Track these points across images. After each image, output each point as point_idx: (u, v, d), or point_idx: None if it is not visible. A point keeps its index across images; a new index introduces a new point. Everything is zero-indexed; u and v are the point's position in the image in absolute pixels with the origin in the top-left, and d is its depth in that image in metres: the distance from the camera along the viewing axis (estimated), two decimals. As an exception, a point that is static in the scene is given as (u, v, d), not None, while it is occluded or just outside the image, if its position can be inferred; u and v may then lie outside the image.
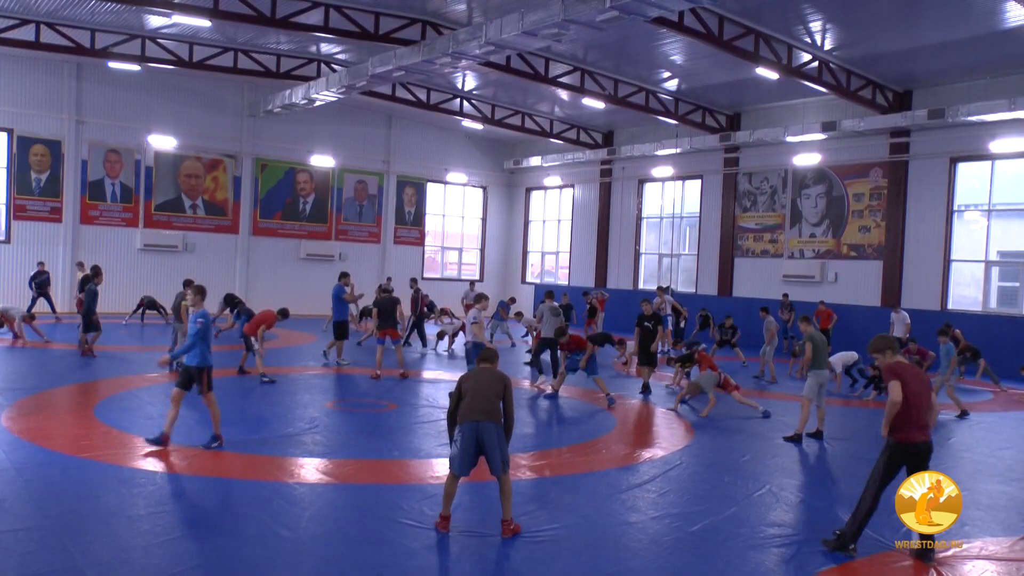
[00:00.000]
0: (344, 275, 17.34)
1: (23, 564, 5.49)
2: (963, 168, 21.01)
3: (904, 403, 6.25)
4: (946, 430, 12.13)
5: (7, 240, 24.17)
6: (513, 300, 25.49)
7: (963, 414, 13.33)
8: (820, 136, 22.36)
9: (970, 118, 19.09)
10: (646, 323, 14.55)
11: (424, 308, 20.56)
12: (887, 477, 6.32)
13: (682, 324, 21.86)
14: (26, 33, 20.53)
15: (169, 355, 10.29)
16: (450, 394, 6.85)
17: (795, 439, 10.66)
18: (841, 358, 15.76)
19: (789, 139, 23.02)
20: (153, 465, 8.17)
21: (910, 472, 6.51)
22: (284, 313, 14.61)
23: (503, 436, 6.54)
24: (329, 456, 8.96)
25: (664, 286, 26.43)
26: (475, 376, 6.72)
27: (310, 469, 8.40)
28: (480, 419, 6.41)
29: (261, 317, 14.35)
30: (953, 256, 21.09)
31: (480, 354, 7.08)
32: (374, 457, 9.07)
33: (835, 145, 22.91)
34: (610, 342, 18.79)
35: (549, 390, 13.75)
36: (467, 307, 25.76)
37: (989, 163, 20.53)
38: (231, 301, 21.79)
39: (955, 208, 21.09)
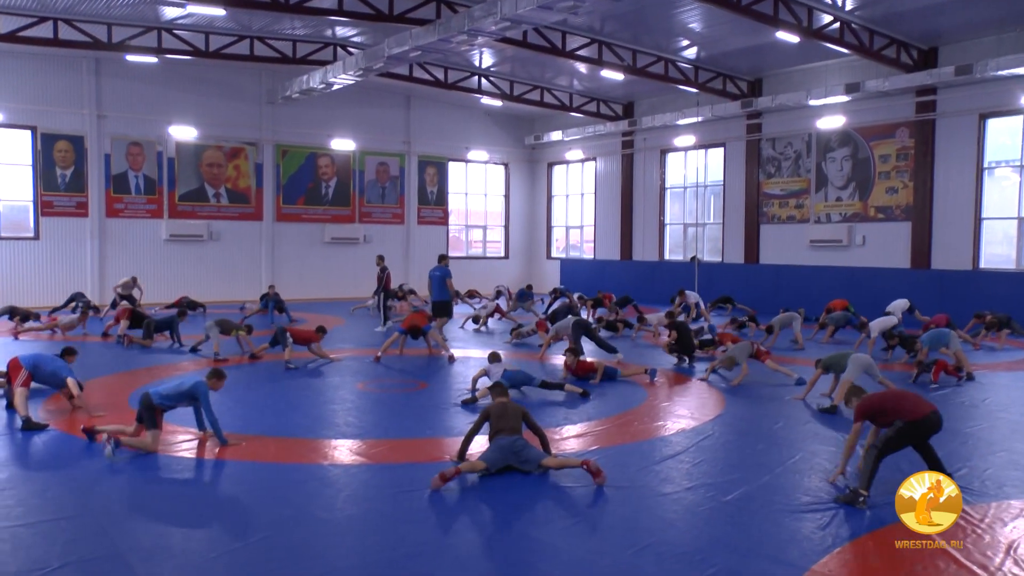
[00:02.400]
0: (443, 257, 18.09)
1: (67, 551, 5.59)
2: (993, 124, 20.62)
3: (891, 406, 7.04)
4: (981, 391, 11.99)
5: (36, 236, 24.45)
6: (530, 287, 25.25)
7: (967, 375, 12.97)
8: (844, 98, 22.03)
9: (1000, 72, 18.66)
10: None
11: (389, 286, 20.29)
12: (890, 448, 6.85)
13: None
14: (44, 30, 20.63)
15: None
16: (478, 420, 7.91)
17: (830, 411, 10.46)
18: (879, 324, 15.79)
19: (812, 103, 22.70)
20: (189, 451, 8.26)
21: (920, 443, 7.00)
22: (322, 330, 14.94)
23: (529, 445, 7.54)
24: (362, 437, 9.01)
25: (692, 256, 26.39)
26: (499, 407, 7.84)
27: (343, 450, 8.46)
28: (511, 434, 7.50)
29: (308, 335, 14.57)
30: (984, 214, 20.76)
31: (493, 390, 8.48)
32: (407, 437, 9.11)
33: (859, 107, 22.58)
34: (626, 325, 18.90)
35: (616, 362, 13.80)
36: (498, 293, 25.82)
37: (1021, 118, 20.10)
38: (265, 298, 22.30)
39: (985, 165, 20.73)
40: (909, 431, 6.88)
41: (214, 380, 8.65)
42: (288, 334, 14.21)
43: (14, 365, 9.83)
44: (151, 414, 8.14)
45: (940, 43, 20.63)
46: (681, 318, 18.14)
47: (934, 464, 7.11)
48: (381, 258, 20.50)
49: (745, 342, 13.06)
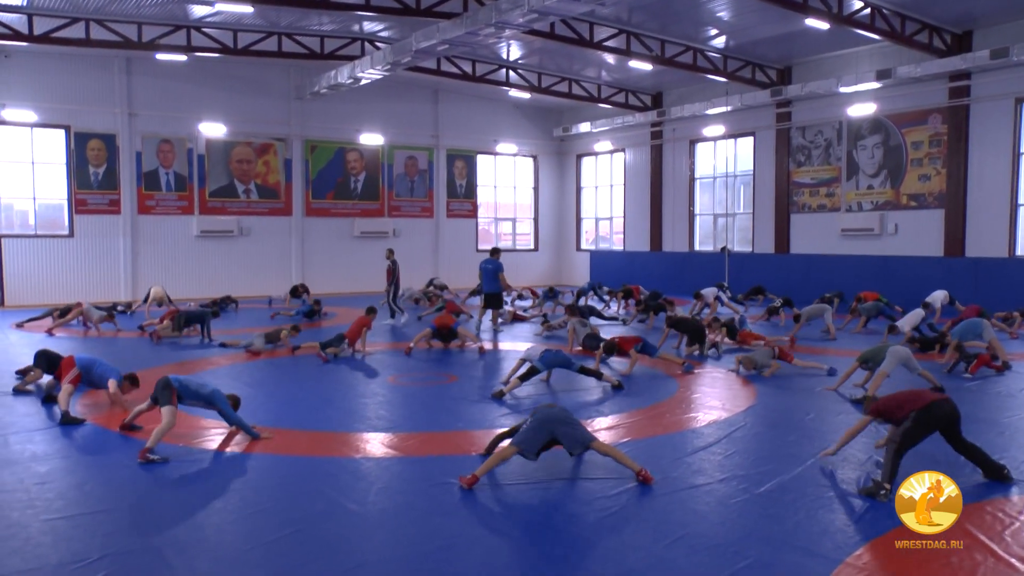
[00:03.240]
0: (496, 251, 18.62)
1: (105, 544, 5.68)
2: (1029, 109, 20.32)
3: (903, 399, 7.14)
4: (1018, 380, 11.80)
5: (71, 234, 24.79)
6: (552, 289, 25.02)
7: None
8: (875, 85, 21.76)
9: (1037, 55, 18.41)
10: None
11: (398, 280, 19.98)
12: (908, 441, 6.80)
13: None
14: (76, 31, 20.88)
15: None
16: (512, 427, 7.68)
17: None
18: (909, 319, 15.66)
19: (842, 90, 22.44)
20: (221, 446, 8.35)
21: (945, 433, 7.01)
22: (372, 310, 15.32)
23: (574, 419, 7.29)
24: (393, 430, 9.06)
25: (723, 246, 26.23)
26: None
27: (375, 443, 8.50)
28: (550, 407, 7.24)
29: (360, 322, 14.75)
30: (1021, 201, 20.43)
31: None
32: (439, 430, 9.14)
33: (891, 93, 22.29)
34: (658, 310, 18.80)
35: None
36: (519, 296, 25.64)
37: (1058, 102, 19.79)
38: (295, 292, 22.36)
39: (1022, 150, 20.38)
40: (922, 418, 6.85)
41: (232, 400, 8.71)
42: (345, 340, 14.40)
43: (68, 363, 10.04)
44: (167, 393, 8.15)
45: (974, 27, 20.31)
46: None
47: (975, 456, 7.05)
48: (391, 251, 20.40)
49: (766, 349, 12.82)
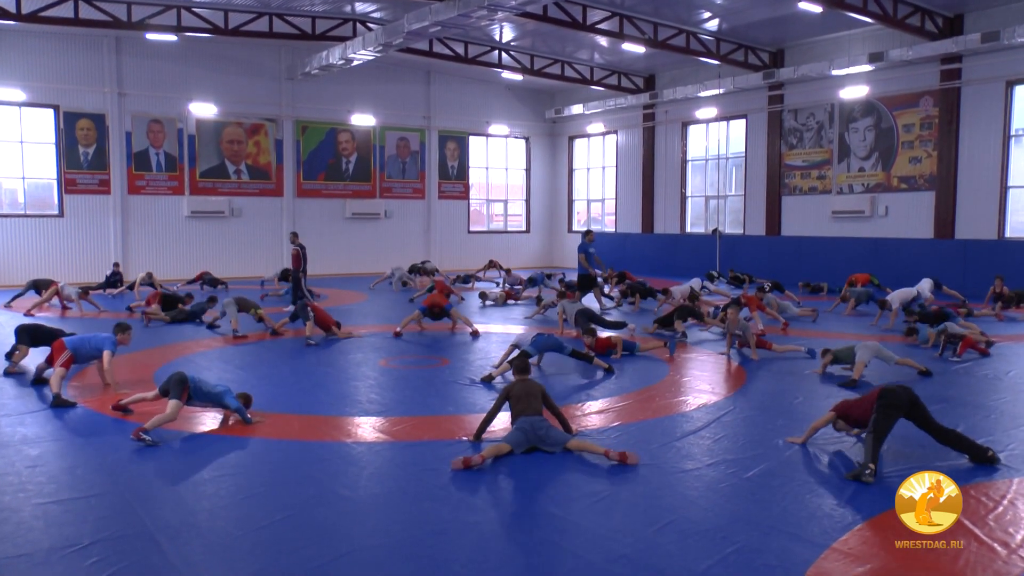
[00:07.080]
0: (588, 232, 18.68)
1: (97, 529, 5.69)
2: (1020, 91, 20.31)
3: (864, 406, 7.33)
4: (1005, 363, 11.88)
5: (60, 214, 24.70)
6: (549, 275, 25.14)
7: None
8: (867, 68, 21.76)
9: (1027, 39, 18.42)
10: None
11: (303, 265, 19.00)
12: (881, 427, 6.93)
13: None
14: (65, 10, 20.74)
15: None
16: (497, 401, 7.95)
17: (850, 385, 10.39)
18: (899, 295, 15.89)
19: (835, 73, 22.44)
20: (213, 430, 8.37)
21: (914, 419, 7.15)
22: (338, 325, 15.00)
23: (551, 426, 7.56)
24: (384, 414, 9.07)
25: (714, 228, 26.28)
26: (520, 386, 7.80)
27: (366, 428, 8.53)
28: (532, 414, 7.51)
29: (328, 320, 14.58)
30: (1010, 183, 20.51)
31: (516, 365, 8.20)
32: (430, 414, 9.17)
33: (883, 76, 22.29)
34: (652, 295, 18.81)
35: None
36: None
37: (1049, 85, 19.83)
38: (285, 275, 22.21)
39: (1012, 133, 20.44)
40: (882, 404, 7.03)
41: (242, 400, 8.72)
42: (309, 309, 14.31)
43: (59, 347, 10.06)
44: (180, 388, 8.22)
45: (965, 10, 20.31)
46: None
47: (956, 442, 7.10)
48: (295, 235, 19.69)
49: (750, 329, 12.79)
